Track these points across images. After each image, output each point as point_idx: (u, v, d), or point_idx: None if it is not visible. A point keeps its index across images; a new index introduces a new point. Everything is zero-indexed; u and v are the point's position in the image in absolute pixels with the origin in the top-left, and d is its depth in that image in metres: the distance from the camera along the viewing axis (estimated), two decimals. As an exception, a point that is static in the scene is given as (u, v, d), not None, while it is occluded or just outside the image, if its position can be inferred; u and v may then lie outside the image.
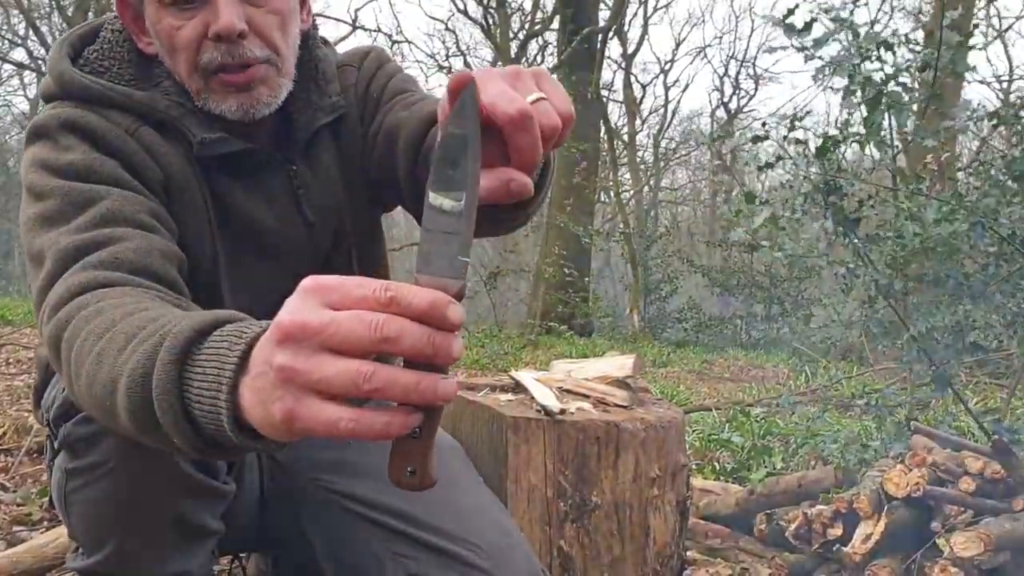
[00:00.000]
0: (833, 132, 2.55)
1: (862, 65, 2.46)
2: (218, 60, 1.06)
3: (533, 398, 1.60)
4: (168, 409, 0.70)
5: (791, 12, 2.47)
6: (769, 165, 2.58)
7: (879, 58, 2.48)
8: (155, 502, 1.03)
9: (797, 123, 2.63)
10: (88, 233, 0.97)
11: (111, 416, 0.78)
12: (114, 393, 0.76)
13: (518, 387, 1.71)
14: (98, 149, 1.06)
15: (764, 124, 2.76)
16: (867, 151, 2.71)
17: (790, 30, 2.44)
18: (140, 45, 1.14)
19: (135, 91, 1.11)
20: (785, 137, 2.68)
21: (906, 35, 2.49)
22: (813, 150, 2.53)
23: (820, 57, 2.45)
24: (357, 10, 48.16)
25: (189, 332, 0.70)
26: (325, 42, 1.28)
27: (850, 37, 2.50)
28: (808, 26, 2.46)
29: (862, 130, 2.55)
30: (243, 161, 1.15)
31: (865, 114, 2.51)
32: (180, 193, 1.11)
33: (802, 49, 2.46)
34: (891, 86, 2.47)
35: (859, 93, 2.46)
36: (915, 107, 2.65)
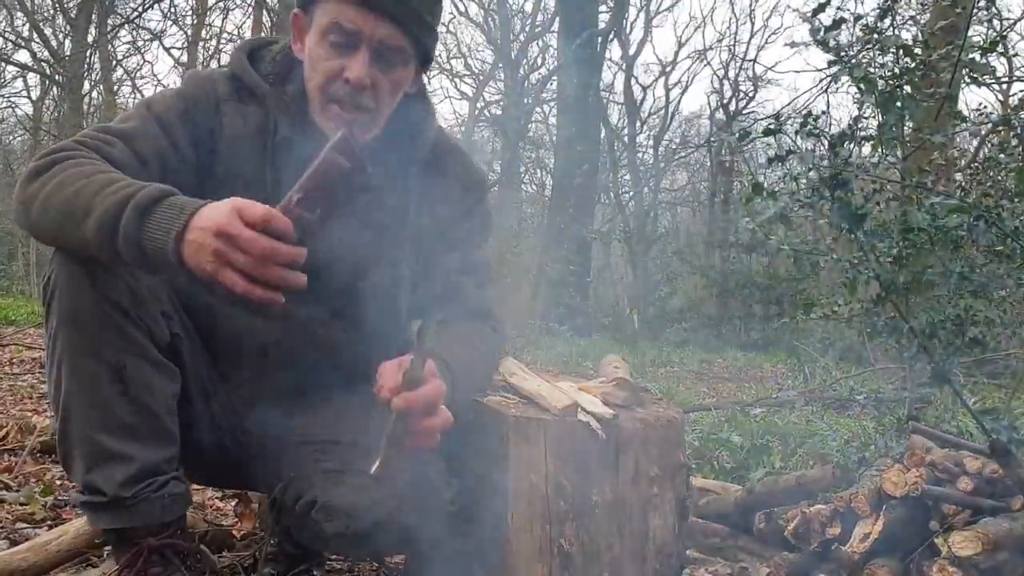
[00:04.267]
0: (837, 130, 2.56)
1: (875, 65, 2.46)
2: (340, 95, 1.42)
3: (530, 399, 1.61)
4: (130, 242, 1.19)
5: (820, 8, 2.47)
6: (780, 158, 2.58)
7: (896, 59, 2.48)
8: (93, 341, 1.34)
9: (810, 120, 2.63)
10: (100, 134, 1.40)
11: (73, 227, 1.24)
12: (86, 218, 1.21)
13: (512, 388, 1.72)
14: (184, 104, 1.48)
15: (778, 117, 2.76)
16: (879, 150, 2.72)
17: (815, 30, 2.44)
18: (294, 47, 1.51)
19: (264, 84, 1.52)
20: (797, 131, 2.68)
21: (913, 37, 2.50)
22: (820, 146, 2.54)
23: (842, 56, 2.44)
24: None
25: (156, 193, 1.20)
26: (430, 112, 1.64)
27: (859, 34, 2.51)
28: (836, 24, 2.46)
29: (873, 129, 2.55)
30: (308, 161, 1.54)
31: (879, 114, 2.50)
32: (238, 151, 1.49)
33: (823, 44, 2.45)
34: (905, 88, 2.47)
35: (872, 94, 2.46)
36: (925, 105, 2.65)
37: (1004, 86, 11.56)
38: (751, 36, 29.79)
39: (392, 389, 1.26)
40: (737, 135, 2.80)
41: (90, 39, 16.56)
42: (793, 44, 2.81)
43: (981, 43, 2.53)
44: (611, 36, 14.33)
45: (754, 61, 27.55)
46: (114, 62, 19.00)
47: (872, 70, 2.50)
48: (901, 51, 2.54)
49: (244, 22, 18.57)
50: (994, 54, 2.84)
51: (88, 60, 17.28)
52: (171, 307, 1.46)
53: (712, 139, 19.47)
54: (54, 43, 17.81)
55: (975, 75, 2.57)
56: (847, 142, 2.49)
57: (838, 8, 2.85)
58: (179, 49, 19.17)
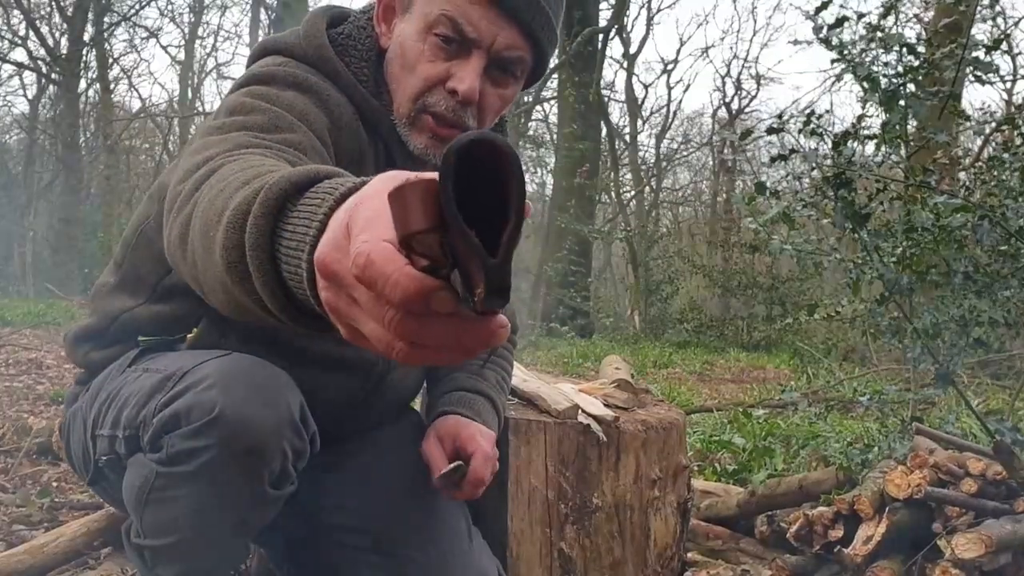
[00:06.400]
0: (840, 129, 2.55)
1: (879, 63, 2.45)
2: (440, 109, 1.14)
3: (530, 401, 1.59)
4: (258, 264, 0.64)
5: (823, 6, 2.46)
6: (782, 157, 2.56)
7: (900, 58, 2.47)
8: (228, 510, 1.08)
9: (813, 119, 2.61)
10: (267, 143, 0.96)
11: (209, 252, 0.73)
12: (216, 230, 0.72)
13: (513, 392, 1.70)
14: (319, 104, 1.12)
15: (780, 116, 2.75)
16: (881, 149, 2.70)
17: (818, 28, 2.43)
18: (379, 30, 1.21)
19: (371, 98, 1.19)
20: (800, 131, 2.67)
21: (916, 36, 2.48)
22: (823, 145, 2.52)
23: (845, 54, 2.42)
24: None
25: (284, 184, 0.65)
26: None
27: (863, 32, 2.50)
28: (839, 23, 2.45)
29: (877, 128, 2.54)
30: None
31: (883, 113, 2.49)
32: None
33: (825, 42, 2.44)
34: (909, 86, 2.46)
35: (875, 92, 2.44)
36: (928, 103, 2.63)
37: (1008, 84, 11.56)
38: (754, 34, 29.78)
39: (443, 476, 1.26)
40: (739, 134, 2.78)
41: (87, 37, 16.56)
42: (796, 42, 2.80)
43: (985, 41, 2.52)
44: (612, 34, 14.32)
45: (757, 59, 27.54)
46: (111, 60, 19.02)
47: (875, 68, 2.49)
48: (904, 49, 2.52)
49: (241, 20, 18.57)
50: (998, 52, 2.82)
51: (84, 58, 17.28)
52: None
53: (714, 138, 19.47)
54: (50, 41, 17.81)
55: (979, 73, 2.55)
56: (850, 141, 2.48)
57: (841, 6, 2.85)
58: (176, 47, 19.20)
